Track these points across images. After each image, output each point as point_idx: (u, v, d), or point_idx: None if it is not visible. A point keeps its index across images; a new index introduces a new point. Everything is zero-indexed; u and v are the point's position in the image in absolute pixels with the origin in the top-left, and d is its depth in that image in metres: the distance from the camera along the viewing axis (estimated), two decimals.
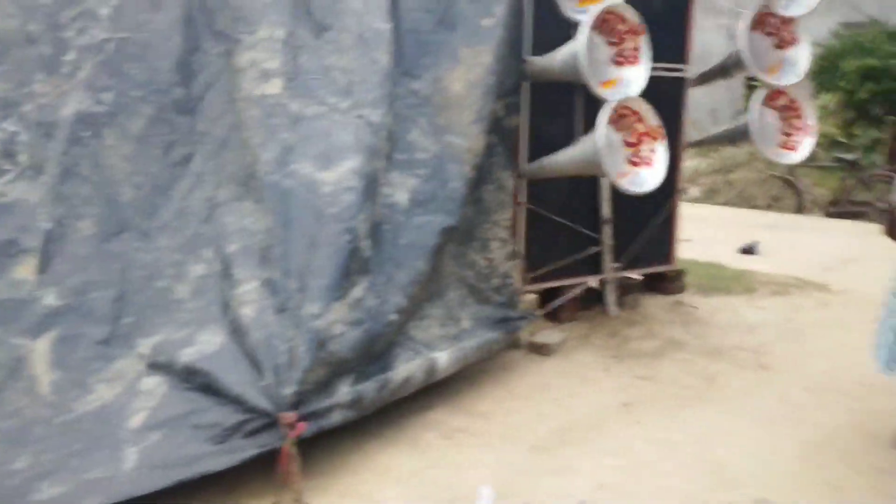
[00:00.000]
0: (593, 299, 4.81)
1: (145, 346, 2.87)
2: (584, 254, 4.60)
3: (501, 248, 3.93)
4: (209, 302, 2.96)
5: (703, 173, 11.88)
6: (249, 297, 2.91)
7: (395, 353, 3.27)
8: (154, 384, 2.77)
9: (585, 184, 4.55)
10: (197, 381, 2.75)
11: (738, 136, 4.34)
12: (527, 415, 3.38)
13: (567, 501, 2.63)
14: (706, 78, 4.65)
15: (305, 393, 2.81)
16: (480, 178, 3.73)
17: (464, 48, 3.59)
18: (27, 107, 3.19)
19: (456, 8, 3.61)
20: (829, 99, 10.52)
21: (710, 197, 11.20)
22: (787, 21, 4.16)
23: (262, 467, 2.63)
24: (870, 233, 7.62)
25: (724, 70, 4.41)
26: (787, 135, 4.31)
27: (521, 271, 4.23)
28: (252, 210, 3.12)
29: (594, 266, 4.73)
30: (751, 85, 4.28)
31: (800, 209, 9.59)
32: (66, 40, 3.30)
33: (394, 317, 3.18)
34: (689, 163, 12.22)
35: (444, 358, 3.40)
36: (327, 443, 2.97)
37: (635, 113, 3.64)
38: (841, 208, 8.73)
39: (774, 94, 4.23)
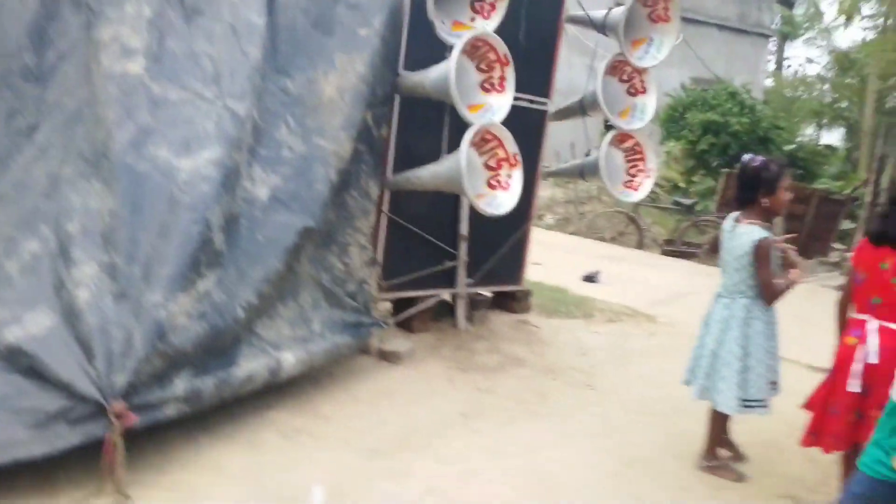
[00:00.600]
0: (445, 312, 4.96)
1: None
2: (441, 268, 4.75)
3: (360, 255, 3.98)
4: (41, 281, 2.78)
5: (558, 202, 12.58)
6: (87, 279, 2.77)
7: (241, 349, 3.23)
8: None
9: (447, 200, 4.70)
10: (21, 362, 2.57)
11: (587, 170, 4.68)
12: (368, 419, 3.44)
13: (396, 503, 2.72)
14: (565, 113, 4.98)
15: (139, 383, 2.71)
16: (345, 183, 3.77)
17: (339, 54, 3.63)
18: None
19: (334, 13, 3.65)
20: (675, 146, 11.52)
21: (563, 226, 11.89)
22: (640, 70, 4.55)
23: (87, 457, 2.51)
24: (698, 272, 8.42)
25: (581, 108, 4.74)
26: (632, 175, 4.69)
27: (377, 279, 4.30)
28: (99, 190, 2.97)
29: (448, 280, 4.89)
30: (608, 125, 4.61)
31: (640, 245, 10.40)
32: None
33: (241, 313, 3.14)
34: (547, 192, 12.91)
35: (290, 359, 3.39)
36: (161, 437, 2.88)
37: (497, 139, 3.83)
38: (674, 247, 9.55)
39: (623, 137, 4.61)
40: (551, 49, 5.01)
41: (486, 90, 3.87)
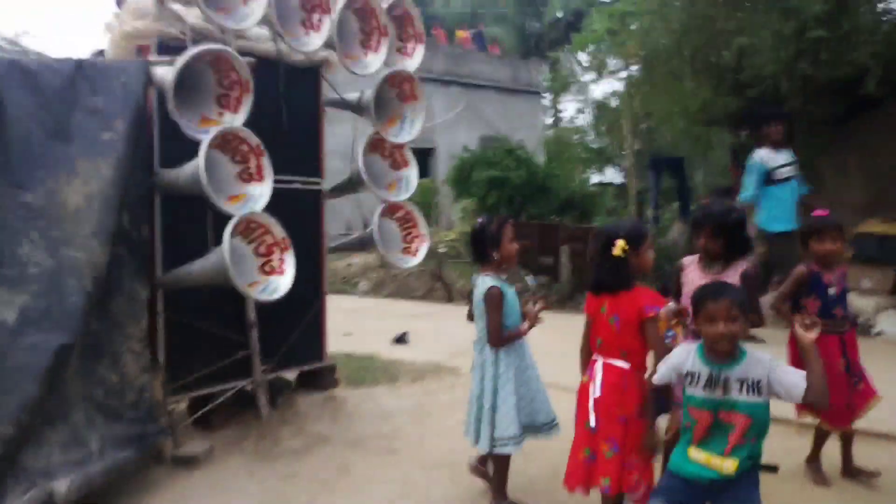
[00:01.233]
0: (248, 402, 4.85)
1: None
2: (232, 358, 4.66)
3: (136, 362, 3.83)
4: None
5: (371, 268, 12.80)
6: None
7: (7, 485, 2.98)
8: None
9: (230, 290, 4.64)
10: None
11: (367, 242, 4.87)
12: None
13: None
14: (340, 190, 5.17)
15: None
16: (107, 291, 3.64)
17: (82, 160, 3.55)
18: None
19: (72, 121, 3.57)
20: (467, 203, 12.26)
21: (377, 290, 12.09)
22: (399, 146, 4.87)
23: None
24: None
25: (351, 184, 4.95)
26: (408, 242, 4.96)
27: (162, 382, 4.13)
28: None
29: (246, 369, 4.81)
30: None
31: (449, 299, 10.82)
32: None
33: None
34: (359, 259, 13.13)
35: (63, 486, 3.17)
36: None
37: (262, 226, 3.90)
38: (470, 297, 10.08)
39: (394, 208, 4.87)
40: (315, 131, 5.21)
41: (246, 180, 3.94)
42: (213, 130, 3.63)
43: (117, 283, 3.72)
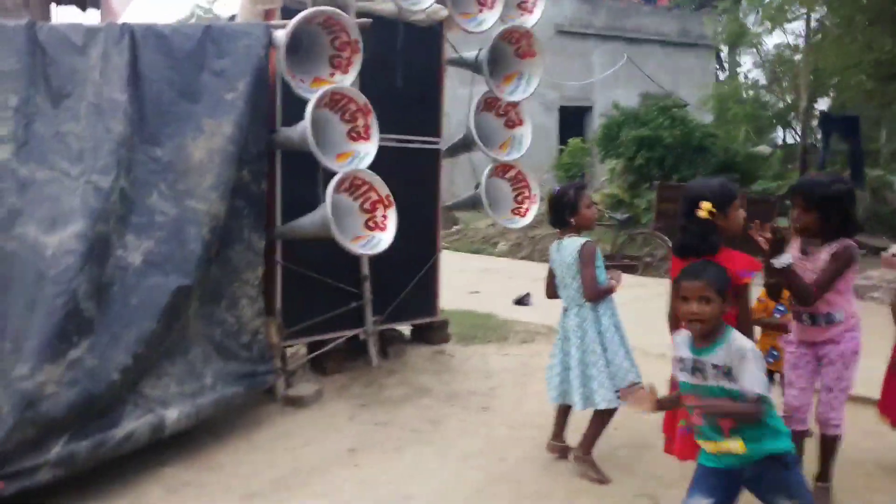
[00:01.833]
0: (362, 351, 5.12)
1: None
2: (345, 309, 4.91)
3: (251, 306, 4.15)
4: None
5: (511, 229, 12.84)
6: None
7: (124, 410, 3.38)
8: None
9: None
10: None
11: (477, 202, 4.89)
12: (258, 465, 3.57)
13: None
14: (454, 151, 5.21)
15: (8, 452, 2.87)
16: (226, 239, 3.95)
17: (207, 119, 3.85)
18: None
19: (199, 82, 3.87)
20: (615, 164, 11.83)
21: (514, 251, 12.12)
22: (513, 104, 4.80)
23: None
24: (629, 283, 8.59)
25: (465, 145, 4.98)
26: (519, 203, 4.92)
27: (277, 327, 4.47)
28: None
29: (359, 320, 5.06)
30: None
31: None
32: None
33: (116, 376, 3.29)
34: None
35: (173, 414, 3.53)
36: (51, 501, 3.05)
37: (367, 183, 4.04)
38: (615, 262, 9.78)
39: (505, 168, 4.84)
40: (436, 92, 5.26)
41: (354, 138, 4.09)
42: (320, 91, 3.78)
43: (236, 233, 4.03)
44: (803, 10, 12.26)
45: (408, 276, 5.31)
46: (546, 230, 12.43)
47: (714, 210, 2.73)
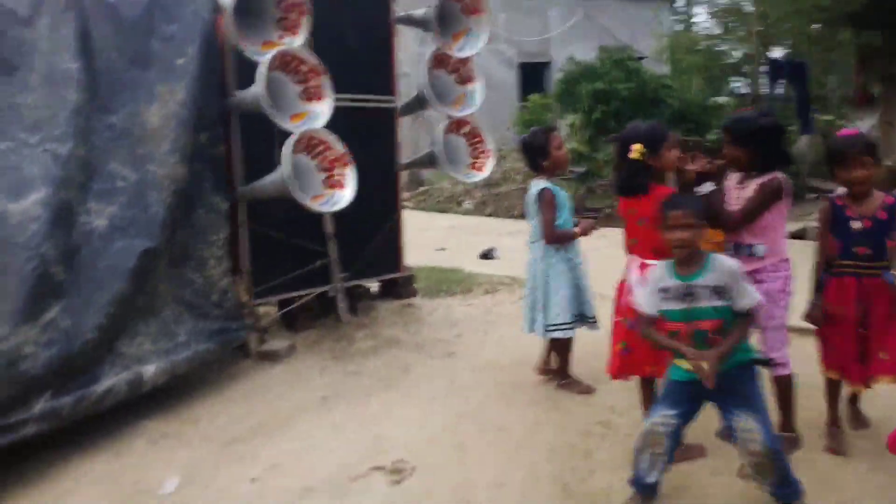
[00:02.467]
0: (332, 308, 5.28)
1: None
2: (311, 267, 5.05)
3: (218, 266, 4.28)
4: None
5: (477, 187, 12.97)
6: None
7: (102, 368, 3.52)
8: None
9: None
10: None
11: (434, 160, 5.02)
12: (233, 416, 3.74)
13: (241, 481, 3.04)
14: (409, 108, 5.32)
15: None
16: (189, 202, 4.06)
17: (159, 85, 3.92)
18: None
19: (149, 48, 3.93)
20: (573, 119, 11.97)
21: (481, 209, 12.27)
22: (464, 61, 4.92)
23: None
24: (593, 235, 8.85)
25: (420, 102, 5.08)
26: (475, 158, 5.07)
27: (246, 285, 4.60)
28: None
29: (327, 278, 5.21)
30: None
31: None
32: None
33: (92, 335, 3.42)
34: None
35: (150, 370, 3.68)
36: (38, 457, 3.23)
37: (323, 142, 4.15)
38: (577, 215, 10.02)
39: (460, 123, 4.97)
40: (388, 51, 5.35)
41: (307, 99, 4.18)
42: (269, 53, 3.86)
43: (199, 196, 4.13)
44: None
45: (372, 233, 5.46)
46: (509, 187, 12.63)
47: (644, 151, 2.92)
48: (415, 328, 5.10)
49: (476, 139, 5.04)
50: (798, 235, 7.52)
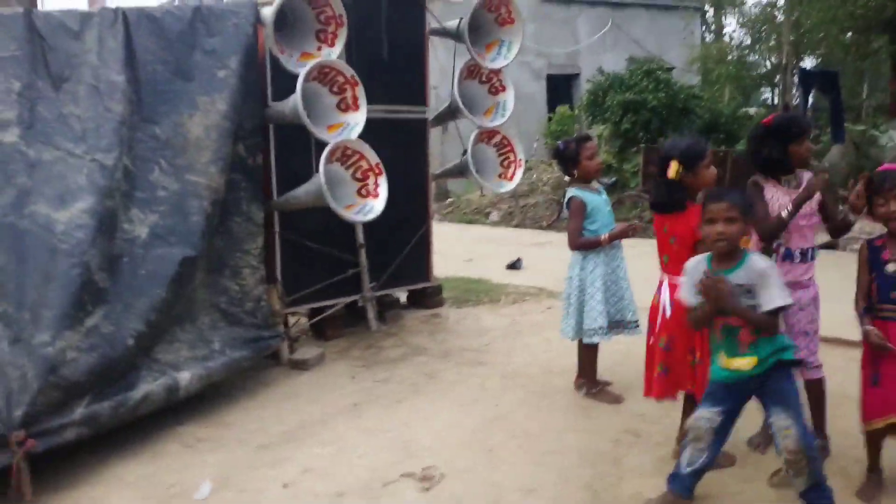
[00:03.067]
0: (360, 317, 5.35)
1: None
2: (342, 276, 5.13)
3: (253, 275, 4.37)
4: None
5: (503, 198, 13.01)
6: None
7: (140, 374, 3.60)
8: None
9: None
10: None
11: (465, 169, 5.08)
12: (267, 421, 3.81)
13: (274, 485, 3.10)
14: (440, 119, 5.39)
15: (36, 413, 3.09)
16: (226, 211, 4.16)
17: (201, 96, 4.02)
18: None
19: (192, 60, 4.04)
20: (601, 129, 11.97)
21: (507, 220, 12.31)
22: (495, 71, 4.97)
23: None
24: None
25: (451, 113, 5.15)
26: (504, 167, 5.12)
27: (279, 294, 4.68)
28: None
29: (357, 287, 5.28)
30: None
31: None
32: None
33: (131, 341, 3.51)
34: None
35: (186, 377, 3.75)
36: (74, 460, 3.30)
37: (357, 152, 4.23)
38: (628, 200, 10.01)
39: (490, 133, 5.02)
40: (421, 62, 5.43)
41: (343, 110, 4.27)
42: (308, 65, 3.95)
43: (236, 205, 4.23)
44: None
45: (401, 243, 5.52)
46: (536, 198, 12.65)
47: (680, 169, 2.94)
48: (443, 336, 5.15)
49: (506, 149, 5.09)
50: (829, 245, 7.42)
